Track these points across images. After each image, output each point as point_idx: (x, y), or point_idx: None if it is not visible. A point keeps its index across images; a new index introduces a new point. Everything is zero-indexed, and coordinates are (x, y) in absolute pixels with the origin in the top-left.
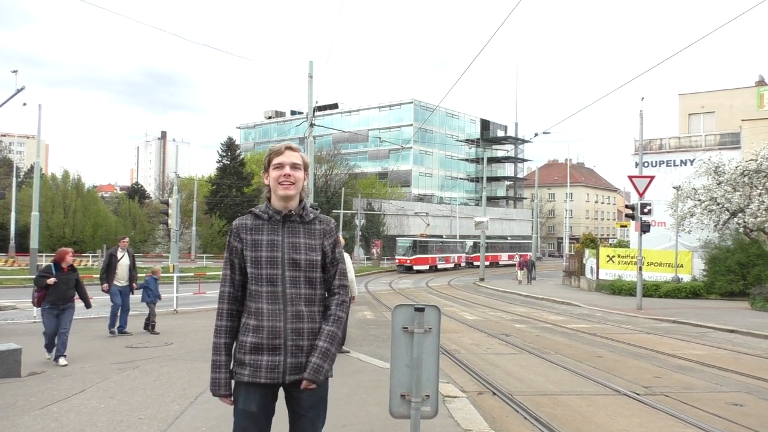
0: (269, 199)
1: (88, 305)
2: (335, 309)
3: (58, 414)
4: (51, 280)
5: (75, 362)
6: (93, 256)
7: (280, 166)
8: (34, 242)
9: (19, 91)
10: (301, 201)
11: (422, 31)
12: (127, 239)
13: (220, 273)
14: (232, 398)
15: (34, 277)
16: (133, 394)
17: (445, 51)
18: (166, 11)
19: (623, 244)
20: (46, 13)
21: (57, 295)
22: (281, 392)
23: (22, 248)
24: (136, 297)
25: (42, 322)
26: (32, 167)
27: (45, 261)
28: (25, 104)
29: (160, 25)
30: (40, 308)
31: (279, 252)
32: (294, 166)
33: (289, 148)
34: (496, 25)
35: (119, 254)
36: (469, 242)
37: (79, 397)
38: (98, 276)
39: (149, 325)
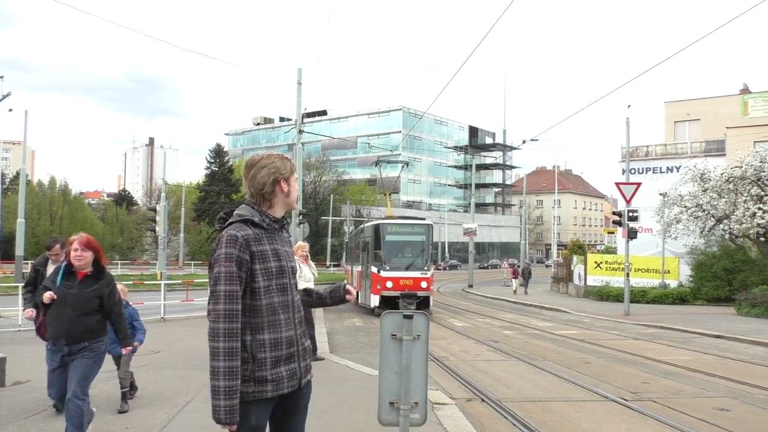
0: (269, 206)
1: (125, 344)
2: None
3: (44, 424)
4: (47, 296)
5: None
6: None
7: (294, 182)
8: (19, 249)
9: (5, 96)
10: None
11: (410, 36)
12: (59, 245)
13: (221, 288)
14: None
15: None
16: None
17: (433, 56)
18: (152, 15)
19: (611, 251)
20: (30, 16)
21: (57, 326)
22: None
23: (7, 255)
24: None
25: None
26: (18, 174)
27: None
28: (11, 110)
29: (145, 30)
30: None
31: (284, 261)
32: None
33: None
34: (483, 31)
35: (50, 269)
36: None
37: None
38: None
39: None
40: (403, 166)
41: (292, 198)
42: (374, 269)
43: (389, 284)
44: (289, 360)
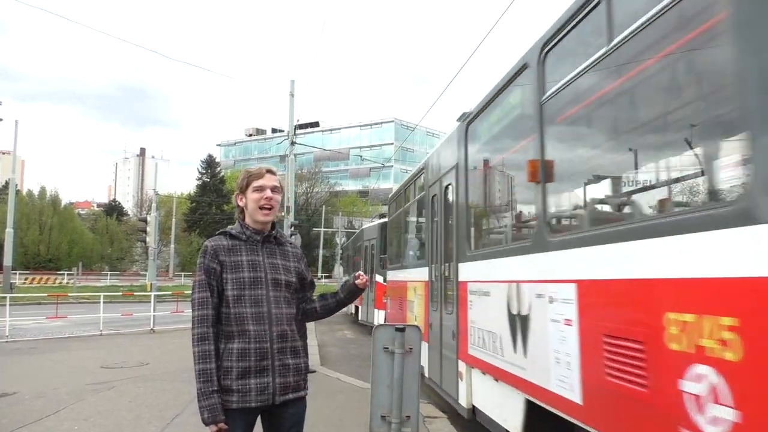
0: (243, 219)
1: None
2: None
3: None
4: None
5: (48, 382)
6: (68, 274)
7: (261, 189)
8: (8, 259)
9: None
10: (273, 224)
11: (402, 47)
12: None
13: (194, 296)
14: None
15: (8, 295)
16: (108, 416)
17: (424, 68)
18: (141, 25)
19: None
20: (20, 25)
21: None
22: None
23: None
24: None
25: None
26: (7, 183)
27: (18, 278)
28: (1, 119)
29: (134, 38)
30: None
31: (261, 272)
32: (274, 189)
33: (270, 171)
34: (475, 42)
35: None
36: None
37: (51, 419)
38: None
39: None
40: None
41: (249, 210)
42: None
43: None
44: (261, 373)
